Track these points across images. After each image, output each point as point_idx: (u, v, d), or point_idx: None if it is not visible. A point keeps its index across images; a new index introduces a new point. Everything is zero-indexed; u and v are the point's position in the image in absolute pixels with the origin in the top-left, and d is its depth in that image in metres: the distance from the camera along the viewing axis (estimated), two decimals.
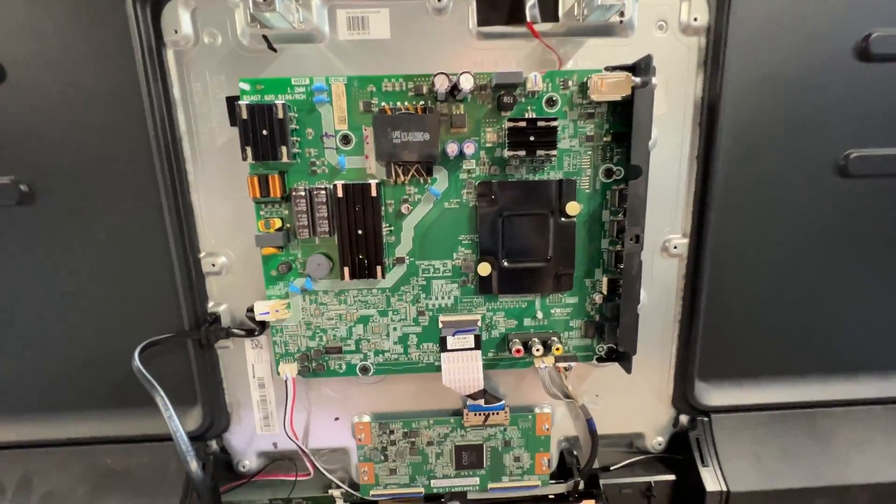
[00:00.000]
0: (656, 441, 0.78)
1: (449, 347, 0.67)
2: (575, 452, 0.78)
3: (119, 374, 0.70)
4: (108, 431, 0.72)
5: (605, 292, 0.66)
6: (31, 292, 0.68)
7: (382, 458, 0.74)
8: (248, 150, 0.60)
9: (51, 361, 0.71)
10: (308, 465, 0.74)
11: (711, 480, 0.71)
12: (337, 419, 0.75)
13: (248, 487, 0.77)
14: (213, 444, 0.75)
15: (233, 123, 0.64)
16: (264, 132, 0.59)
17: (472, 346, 0.67)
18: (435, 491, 0.75)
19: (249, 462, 0.77)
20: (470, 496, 0.77)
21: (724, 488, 0.70)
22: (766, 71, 0.65)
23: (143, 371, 0.60)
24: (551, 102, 0.62)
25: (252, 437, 0.75)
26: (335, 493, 0.78)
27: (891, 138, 0.68)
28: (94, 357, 0.71)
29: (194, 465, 0.58)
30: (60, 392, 0.72)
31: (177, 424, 0.58)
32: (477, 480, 0.75)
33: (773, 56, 0.65)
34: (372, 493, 0.75)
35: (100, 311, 0.69)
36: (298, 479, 0.76)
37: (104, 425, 0.72)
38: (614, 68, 0.60)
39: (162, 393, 0.59)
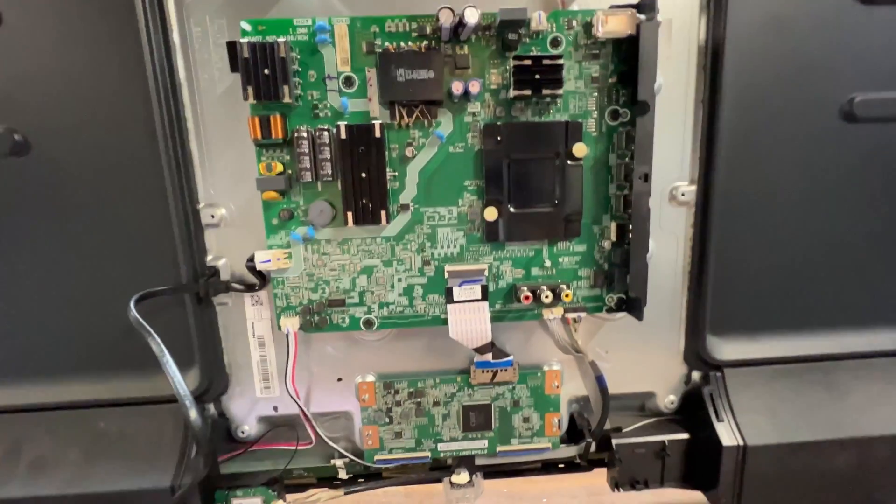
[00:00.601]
0: (668, 400, 0.76)
1: (455, 299, 0.65)
2: (586, 415, 0.76)
3: (112, 333, 0.68)
4: (100, 394, 0.69)
5: (614, 238, 0.65)
6: (23, 247, 0.66)
7: (387, 420, 0.71)
8: (250, 89, 0.58)
9: (42, 321, 0.68)
10: (310, 431, 0.72)
11: (727, 435, 0.68)
12: (340, 380, 0.72)
13: (247, 458, 0.74)
14: (212, 408, 0.72)
15: (234, 69, 0.63)
16: (266, 71, 0.58)
17: (479, 297, 0.65)
18: (442, 455, 0.73)
19: (249, 427, 0.74)
20: (478, 461, 0.74)
21: (741, 442, 0.68)
22: (769, 13, 0.65)
23: (139, 318, 0.57)
24: (556, 43, 0.61)
25: (252, 401, 0.73)
26: (338, 462, 0.75)
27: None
28: (88, 316, 0.68)
29: (194, 413, 0.55)
30: (51, 354, 0.69)
31: (174, 370, 0.55)
32: (485, 443, 0.73)
33: None
34: (377, 458, 0.72)
35: (94, 266, 0.67)
36: (300, 447, 0.73)
37: (96, 388, 0.69)
38: (619, 7, 0.60)
39: (158, 339, 0.57)
